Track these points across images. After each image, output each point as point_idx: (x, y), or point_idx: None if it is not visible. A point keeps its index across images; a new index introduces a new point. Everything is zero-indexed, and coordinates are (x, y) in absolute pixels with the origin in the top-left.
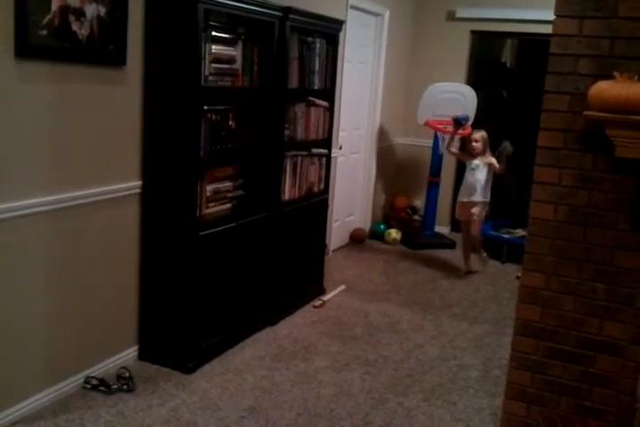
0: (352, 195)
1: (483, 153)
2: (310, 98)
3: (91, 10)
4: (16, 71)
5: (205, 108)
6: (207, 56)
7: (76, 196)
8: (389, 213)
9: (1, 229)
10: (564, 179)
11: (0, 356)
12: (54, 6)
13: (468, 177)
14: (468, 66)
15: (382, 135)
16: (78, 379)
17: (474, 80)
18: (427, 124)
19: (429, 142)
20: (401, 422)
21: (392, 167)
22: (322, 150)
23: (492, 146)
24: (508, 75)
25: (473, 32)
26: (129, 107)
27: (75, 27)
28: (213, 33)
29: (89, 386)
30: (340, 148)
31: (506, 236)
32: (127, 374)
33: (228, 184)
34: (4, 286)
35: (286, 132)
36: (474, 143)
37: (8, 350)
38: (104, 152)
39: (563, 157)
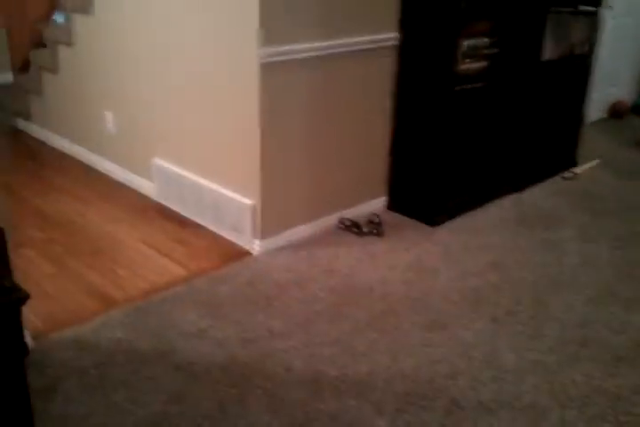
0: (618, 63)
1: None
2: None
3: None
4: None
5: None
6: None
7: (341, 44)
8: None
9: (270, 71)
10: None
11: (269, 190)
12: None
13: None
14: None
15: None
16: (334, 219)
17: None
18: None
19: None
20: None
21: None
22: (590, 8)
23: None
24: None
25: None
26: None
27: None
28: None
29: (342, 226)
30: (611, 7)
31: None
32: (377, 220)
33: (484, 40)
34: (273, 129)
35: None
36: None
37: (276, 186)
38: (364, 2)
39: None
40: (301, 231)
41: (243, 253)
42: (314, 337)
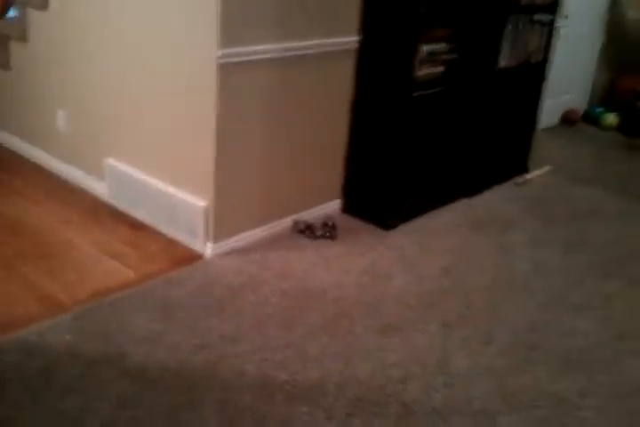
0: (570, 72)
1: None
2: None
3: None
4: None
5: None
6: None
7: (300, 46)
8: (610, 96)
9: (228, 72)
10: None
11: (221, 192)
12: None
13: None
14: None
15: (615, 6)
16: (287, 222)
17: None
18: None
19: None
20: (598, 304)
21: (621, 44)
22: (546, 17)
23: None
24: None
25: None
26: None
27: None
28: None
29: (297, 229)
30: (566, 17)
31: None
32: (331, 223)
33: (442, 46)
34: (228, 130)
35: None
36: None
37: (229, 188)
38: (325, 5)
39: None
40: (255, 234)
41: (195, 257)
42: (266, 341)
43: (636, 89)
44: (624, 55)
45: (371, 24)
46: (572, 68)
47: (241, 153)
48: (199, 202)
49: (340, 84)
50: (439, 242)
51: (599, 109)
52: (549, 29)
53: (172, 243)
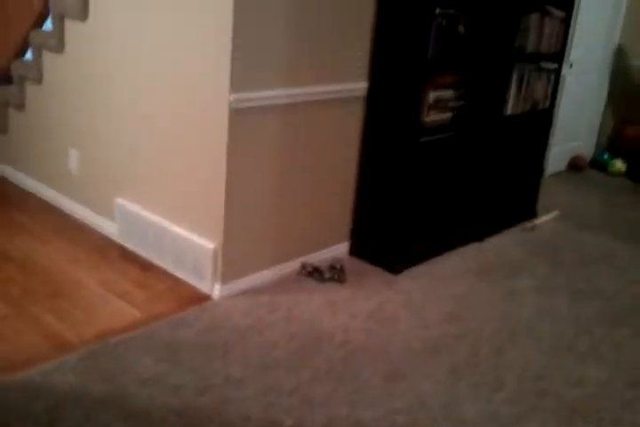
0: (577, 119)
1: None
2: (547, 6)
3: None
4: None
5: (437, 11)
6: None
7: (311, 92)
8: (616, 143)
9: (240, 117)
10: None
11: (231, 233)
12: None
13: None
14: None
15: (620, 55)
16: (296, 264)
17: None
18: None
19: None
20: (606, 351)
21: (627, 92)
22: (551, 65)
23: None
24: None
25: None
26: (363, 7)
27: None
28: None
29: (304, 271)
30: (571, 66)
31: None
32: (339, 266)
33: (450, 92)
34: (238, 172)
35: (516, 43)
36: None
37: (239, 229)
38: (336, 52)
39: None
40: (263, 276)
41: (203, 298)
42: (272, 385)
43: (638, 137)
44: (630, 102)
45: (379, 70)
46: (578, 116)
47: (251, 195)
48: (208, 243)
49: (350, 128)
50: (446, 287)
51: (606, 156)
52: (555, 77)
53: (179, 283)
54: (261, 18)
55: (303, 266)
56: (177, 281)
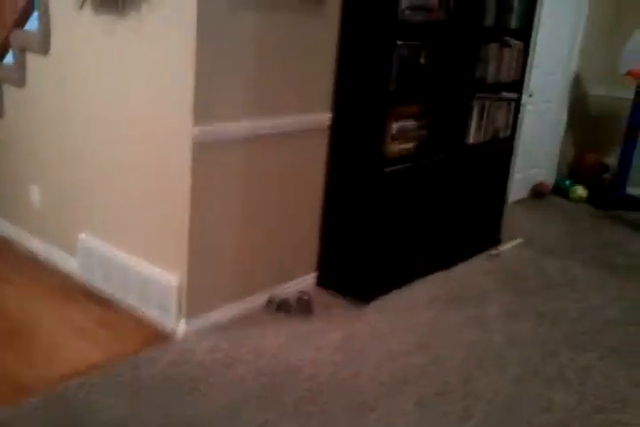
0: (538, 147)
1: None
2: (505, 37)
3: None
4: (227, 2)
5: (398, 42)
6: None
7: (275, 124)
8: (577, 169)
9: (203, 151)
10: None
11: (195, 268)
12: None
13: None
14: None
15: (578, 84)
16: (262, 297)
17: None
18: (630, 73)
19: (630, 95)
20: (572, 376)
21: (585, 119)
22: (511, 95)
23: None
24: None
25: None
26: (327, 39)
27: None
28: None
29: (271, 305)
30: (531, 95)
31: None
32: (307, 298)
33: (412, 123)
34: (202, 205)
35: (477, 73)
36: None
37: (203, 264)
38: (300, 84)
39: None
40: (229, 310)
41: (168, 334)
42: (240, 423)
43: (602, 163)
44: (589, 130)
45: (343, 102)
46: (540, 143)
47: (215, 229)
48: (172, 278)
49: (315, 159)
50: (414, 317)
51: (568, 182)
52: (515, 106)
53: (144, 320)
54: (225, 51)
55: (270, 299)
56: (141, 318)
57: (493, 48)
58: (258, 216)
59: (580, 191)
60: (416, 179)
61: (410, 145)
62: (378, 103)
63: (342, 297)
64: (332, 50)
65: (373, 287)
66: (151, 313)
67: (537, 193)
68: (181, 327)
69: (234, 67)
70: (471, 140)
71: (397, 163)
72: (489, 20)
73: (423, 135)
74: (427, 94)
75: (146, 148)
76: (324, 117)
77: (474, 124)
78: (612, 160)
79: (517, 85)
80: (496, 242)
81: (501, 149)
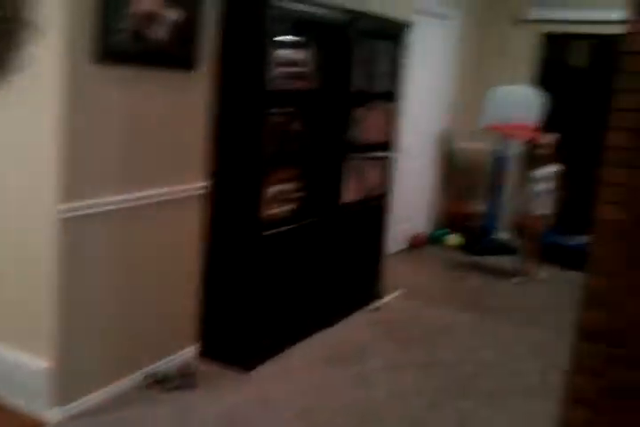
0: (413, 199)
1: (549, 161)
2: (374, 101)
3: (169, 14)
4: (94, 74)
5: (270, 110)
6: (274, 60)
7: (143, 196)
8: (450, 219)
9: (71, 227)
10: (632, 180)
11: (66, 350)
12: (133, 11)
13: (530, 187)
14: (536, 68)
15: (445, 139)
16: (142, 374)
17: (542, 83)
18: (492, 127)
19: (493, 147)
20: (455, 425)
21: (454, 172)
22: (383, 153)
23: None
24: (577, 77)
25: (542, 34)
26: (197, 109)
27: (152, 31)
28: (281, 37)
29: (152, 382)
30: (403, 151)
31: (570, 242)
32: (188, 371)
33: (289, 186)
34: (72, 284)
35: (349, 135)
36: (539, 150)
37: (75, 345)
38: (172, 154)
39: (632, 157)
40: (107, 392)
41: (39, 424)
42: None
43: (473, 211)
44: (458, 182)
45: (218, 169)
46: (414, 196)
47: (87, 308)
48: (41, 363)
49: (191, 228)
50: (300, 379)
51: (443, 231)
52: (388, 164)
53: (11, 410)
54: (93, 124)
55: (151, 375)
56: (8, 408)
57: (363, 110)
58: (134, 290)
59: (454, 240)
60: (295, 241)
61: (288, 208)
62: (253, 169)
63: (226, 366)
64: (204, 119)
65: (257, 353)
66: (20, 402)
67: (414, 243)
68: (54, 415)
69: (103, 140)
70: (347, 199)
71: (276, 226)
72: (357, 85)
73: (301, 198)
74: (302, 158)
75: (11, 227)
76: (199, 186)
77: (348, 184)
78: (482, 208)
79: (388, 144)
80: (377, 295)
81: (376, 206)
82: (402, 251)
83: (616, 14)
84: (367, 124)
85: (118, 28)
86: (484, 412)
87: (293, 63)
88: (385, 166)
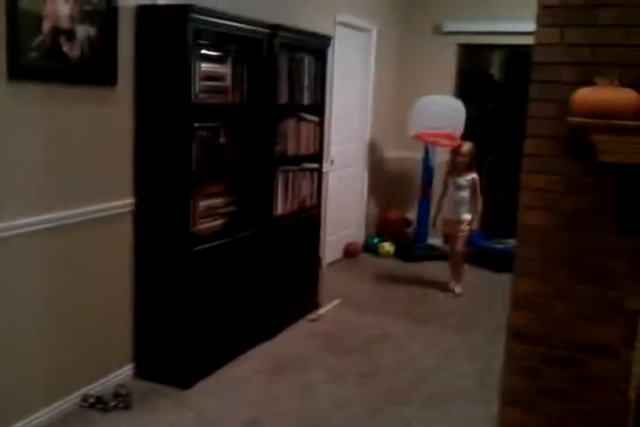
0: (345, 209)
1: (469, 168)
2: (300, 113)
3: (81, 31)
4: (7, 92)
5: (196, 125)
6: (197, 74)
7: (69, 215)
8: (382, 227)
9: (3, 247)
10: (550, 185)
11: (1, 376)
12: (45, 28)
13: (453, 194)
14: (455, 79)
15: (373, 149)
16: (75, 397)
17: (462, 93)
18: (417, 137)
19: (420, 155)
20: None
21: (384, 181)
22: (313, 165)
23: (480, 159)
24: (494, 87)
25: (460, 45)
26: (120, 125)
27: (65, 48)
28: (203, 51)
29: (86, 404)
30: (332, 162)
31: (498, 246)
32: (124, 392)
33: (219, 200)
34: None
35: (277, 148)
36: (460, 158)
37: (4, 369)
38: (97, 171)
39: (548, 163)
40: (41, 417)
41: None
42: None
43: (404, 218)
44: (387, 190)
45: (145, 185)
46: (346, 206)
47: (12, 330)
48: None
49: (119, 246)
50: (241, 393)
51: (376, 240)
52: (318, 175)
53: None
54: (11, 145)
55: (84, 398)
56: None
57: (290, 123)
58: (63, 313)
59: (388, 247)
60: (228, 255)
61: (219, 222)
62: (181, 184)
63: (163, 386)
64: (129, 135)
65: (193, 371)
66: None
67: (349, 253)
68: None
69: (21, 158)
70: (279, 211)
71: (208, 241)
72: (282, 98)
73: (232, 212)
74: (231, 172)
75: None
76: (126, 202)
77: (279, 196)
78: (412, 215)
79: (318, 156)
80: (315, 306)
81: (310, 217)
82: (338, 260)
83: (528, 26)
84: (295, 137)
85: (31, 46)
86: (426, 416)
87: (217, 77)
88: (316, 178)
